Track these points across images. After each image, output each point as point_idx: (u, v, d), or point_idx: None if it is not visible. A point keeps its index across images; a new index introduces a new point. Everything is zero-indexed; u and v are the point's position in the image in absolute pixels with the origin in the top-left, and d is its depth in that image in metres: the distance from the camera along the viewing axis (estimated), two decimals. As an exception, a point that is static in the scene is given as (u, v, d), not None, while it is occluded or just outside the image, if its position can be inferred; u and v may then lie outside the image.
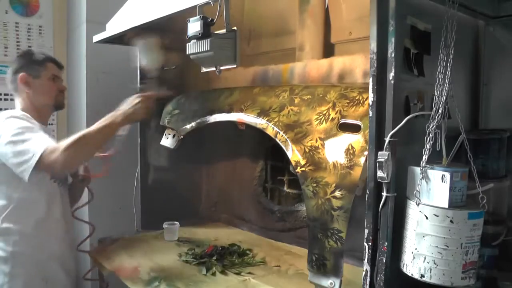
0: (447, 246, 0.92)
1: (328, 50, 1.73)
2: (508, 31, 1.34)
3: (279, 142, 1.37)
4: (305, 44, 1.70)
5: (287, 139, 1.34)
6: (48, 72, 1.75)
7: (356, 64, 1.43)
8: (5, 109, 2.56)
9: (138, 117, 1.61)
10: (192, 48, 1.34)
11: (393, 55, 0.98)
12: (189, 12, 1.34)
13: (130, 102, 1.59)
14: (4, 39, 2.57)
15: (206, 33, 1.29)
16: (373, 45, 1.00)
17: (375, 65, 1.00)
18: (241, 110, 1.57)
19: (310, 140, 1.28)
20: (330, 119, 1.27)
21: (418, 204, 0.95)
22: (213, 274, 1.58)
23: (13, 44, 2.60)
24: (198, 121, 1.77)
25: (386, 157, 0.97)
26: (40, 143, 1.50)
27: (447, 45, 0.98)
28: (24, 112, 1.67)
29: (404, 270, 0.99)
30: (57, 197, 1.70)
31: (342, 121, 1.24)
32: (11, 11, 2.58)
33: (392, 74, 0.98)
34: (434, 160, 0.97)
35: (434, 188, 0.94)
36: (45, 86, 1.74)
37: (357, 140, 1.17)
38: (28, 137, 1.52)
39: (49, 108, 1.79)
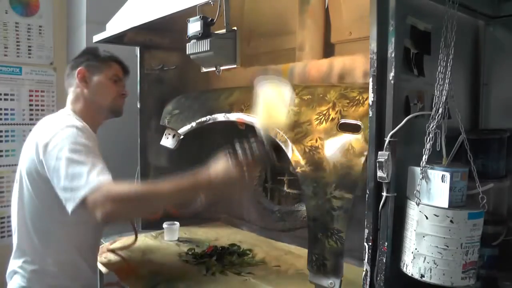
0: (447, 246, 0.92)
1: (328, 50, 1.73)
2: (508, 31, 1.34)
3: (279, 142, 1.37)
4: (305, 44, 1.70)
5: (287, 139, 1.34)
6: (110, 71, 1.56)
7: (356, 64, 1.43)
8: (5, 109, 2.59)
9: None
10: (192, 48, 1.34)
11: (393, 55, 0.98)
12: (189, 12, 1.34)
13: (229, 171, 1.20)
14: (4, 39, 2.57)
15: (206, 33, 1.29)
16: (373, 45, 1.00)
17: (375, 65, 1.00)
18: (241, 110, 1.57)
19: (310, 140, 1.28)
20: (330, 119, 1.27)
21: (418, 204, 0.95)
22: (213, 274, 1.58)
23: (13, 44, 2.60)
24: (198, 121, 1.77)
25: (386, 157, 0.97)
26: (97, 173, 1.22)
27: (447, 45, 0.98)
28: (76, 116, 1.47)
29: (404, 270, 0.99)
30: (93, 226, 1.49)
31: (342, 121, 1.24)
32: (11, 11, 2.58)
33: (392, 74, 0.98)
34: (434, 160, 0.97)
35: (434, 188, 0.94)
36: (104, 85, 1.55)
37: (357, 140, 1.17)
38: (86, 160, 1.25)
39: (104, 112, 1.58)
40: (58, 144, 1.28)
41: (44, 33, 2.68)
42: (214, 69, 1.39)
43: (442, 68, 0.97)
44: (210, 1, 1.26)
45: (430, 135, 0.96)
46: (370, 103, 1.01)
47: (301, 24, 1.72)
